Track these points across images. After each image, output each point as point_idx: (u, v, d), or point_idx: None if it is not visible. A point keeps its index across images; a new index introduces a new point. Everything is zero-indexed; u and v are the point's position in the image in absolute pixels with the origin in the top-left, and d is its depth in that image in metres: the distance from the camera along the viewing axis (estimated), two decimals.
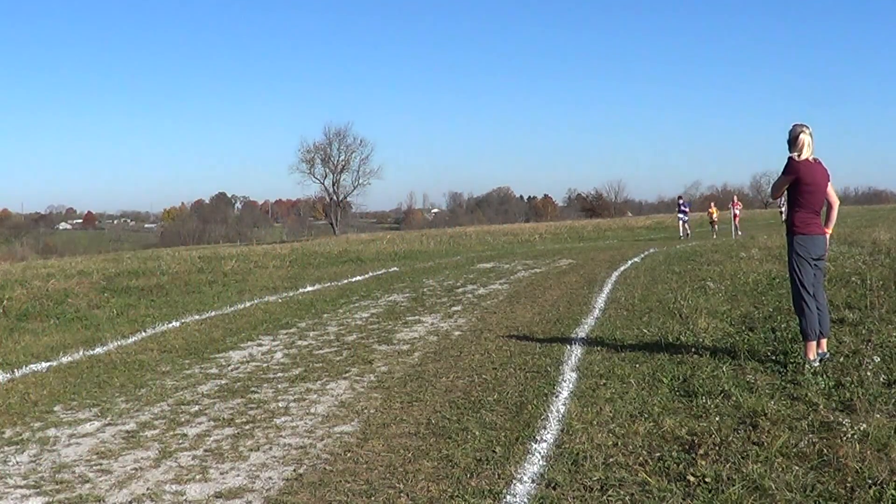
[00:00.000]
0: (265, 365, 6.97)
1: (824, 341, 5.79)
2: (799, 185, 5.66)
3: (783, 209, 37.24)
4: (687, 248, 21.13)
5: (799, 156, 5.66)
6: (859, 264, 11.06)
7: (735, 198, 32.41)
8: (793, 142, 5.70)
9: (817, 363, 5.54)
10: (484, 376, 6.09)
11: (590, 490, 3.65)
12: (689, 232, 29.88)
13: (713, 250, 17.93)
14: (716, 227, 30.55)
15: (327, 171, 74.73)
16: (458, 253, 24.28)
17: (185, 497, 3.85)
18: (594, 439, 4.32)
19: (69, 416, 5.44)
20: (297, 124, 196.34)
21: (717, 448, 4.04)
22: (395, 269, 17.59)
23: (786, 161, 5.73)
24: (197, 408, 5.54)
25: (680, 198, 31.63)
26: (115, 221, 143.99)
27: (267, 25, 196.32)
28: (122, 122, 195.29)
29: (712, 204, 32.61)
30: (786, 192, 5.86)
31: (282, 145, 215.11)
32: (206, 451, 4.55)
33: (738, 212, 30.88)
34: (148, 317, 10.49)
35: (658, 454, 4.03)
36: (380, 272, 16.59)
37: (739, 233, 29.57)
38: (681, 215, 30.26)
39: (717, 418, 4.52)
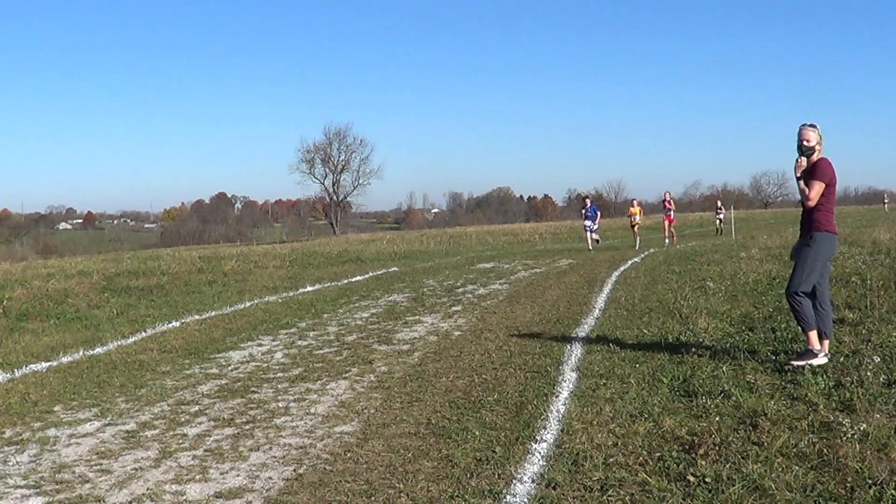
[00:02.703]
0: (265, 365, 6.97)
1: (826, 343, 5.77)
2: (828, 185, 5.62)
3: (721, 216, 32.63)
4: (687, 248, 21.13)
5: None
6: (859, 264, 11.06)
7: (667, 195, 25.08)
8: (815, 144, 5.60)
9: (822, 354, 5.50)
10: (484, 376, 6.09)
11: (590, 490, 3.65)
12: (590, 245, 22.44)
13: (713, 250, 17.93)
14: (639, 233, 24.44)
15: (327, 171, 74.88)
16: (458, 253, 24.28)
17: (185, 497, 3.85)
18: (594, 439, 4.32)
19: (69, 416, 5.44)
20: (297, 124, 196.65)
21: (717, 448, 4.04)
22: (395, 269, 17.59)
23: (816, 163, 5.60)
24: (197, 408, 5.54)
25: (586, 199, 23.75)
26: (115, 221, 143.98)
27: (267, 25, 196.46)
28: (122, 121, 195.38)
29: (634, 202, 25.23)
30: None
31: (282, 145, 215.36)
32: (206, 451, 4.55)
33: (672, 213, 24.87)
34: (148, 317, 10.48)
35: (658, 454, 4.03)
36: (380, 272, 16.59)
37: (669, 241, 24.12)
38: (587, 223, 22.60)
39: (717, 418, 4.52)
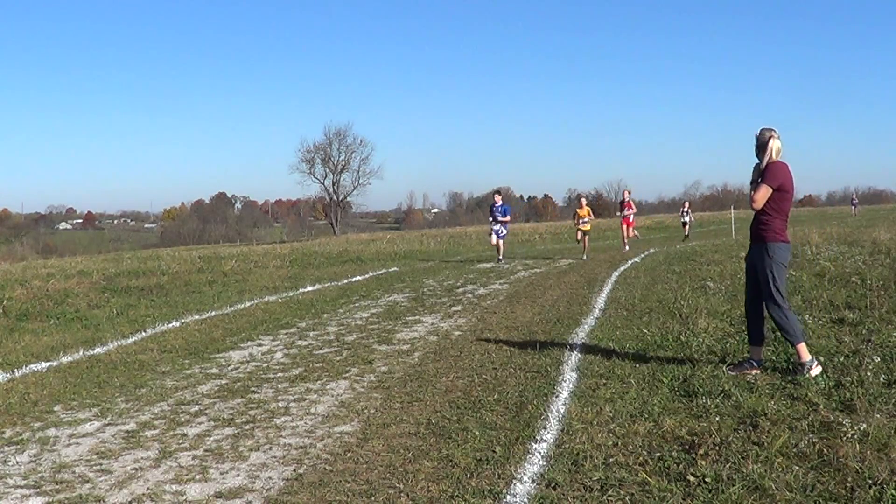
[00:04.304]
0: (265, 365, 6.97)
1: (761, 349, 5.70)
2: (780, 190, 5.45)
3: (688, 220, 28.27)
4: (687, 248, 21.13)
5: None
6: (859, 264, 11.06)
7: (626, 194, 21.77)
8: (762, 148, 5.50)
9: (815, 364, 5.40)
10: (484, 376, 6.09)
11: (590, 490, 3.65)
12: (500, 254, 18.25)
13: (713, 250, 17.92)
14: (586, 239, 19.31)
15: (327, 171, 74.87)
16: (458, 253, 24.27)
17: (185, 497, 3.85)
18: (594, 439, 4.32)
19: (69, 416, 5.44)
20: (297, 124, 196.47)
21: (717, 448, 4.04)
22: (395, 269, 17.58)
23: (766, 167, 5.49)
24: (197, 408, 5.54)
25: (497, 193, 18.65)
26: (115, 221, 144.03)
27: (267, 25, 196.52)
28: (122, 121, 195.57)
29: (583, 201, 20.09)
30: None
31: (282, 145, 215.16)
32: (206, 451, 4.55)
33: (630, 215, 21.29)
34: (148, 317, 10.48)
35: (658, 454, 4.03)
36: (380, 272, 16.59)
37: (626, 248, 20.97)
38: (496, 226, 18.03)
39: (717, 418, 4.52)
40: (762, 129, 5.58)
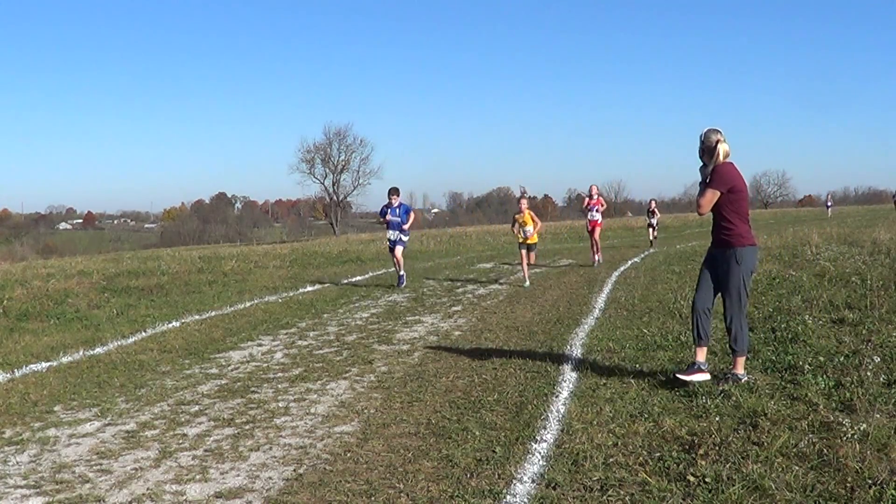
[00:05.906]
0: (265, 365, 6.97)
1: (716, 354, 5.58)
2: (733, 192, 5.28)
3: (654, 221, 23.44)
4: (687, 247, 21.12)
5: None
6: (859, 264, 11.06)
7: (594, 190, 17.31)
8: (709, 151, 5.32)
9: (745, 378, 5.32)
10: (484, 376, 6.09)
11: (590, 490, 3.65)
12: (400, 269, 13.61)
13: None
14: (531, 255, 13.33)
15: (327, 171, 74.68)
16: (458, 253, 24.27)
17: (185, 497, 3.85)
18: (594, 439, 4.32)
19: (69, 416, 5.44)
20: (297, 124, 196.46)
21: (717, 448, 4.04)
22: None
23: (712, 169, 5.29)
24: (197, 408, 5.54)
25: (394, 192, 13.81)
26: (115, 221, 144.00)
27: (267, 25, 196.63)
28: (122, 122, 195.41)
29: (523, 203, 13.56)
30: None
31: (282, 145, 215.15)
32: (206, 451, 4.55)
33: (598, 216, 16.92)
34: (148, 317, 10.48)
35: (658, 454, 4.04)
36: (380, 272, 16.58)
37: (598, 257, 16.64)
38: (391, 233, 13.74)
39: (717, 418, 4.53)
40: (708, 131, 5.35)
